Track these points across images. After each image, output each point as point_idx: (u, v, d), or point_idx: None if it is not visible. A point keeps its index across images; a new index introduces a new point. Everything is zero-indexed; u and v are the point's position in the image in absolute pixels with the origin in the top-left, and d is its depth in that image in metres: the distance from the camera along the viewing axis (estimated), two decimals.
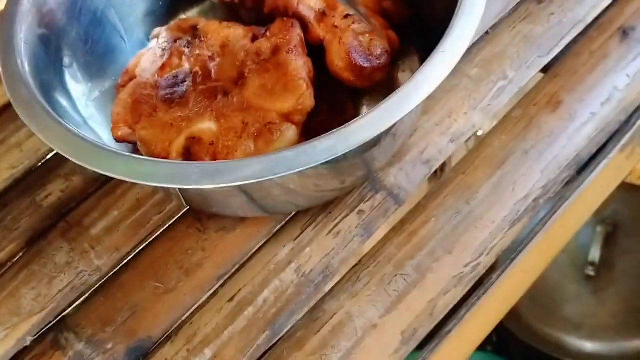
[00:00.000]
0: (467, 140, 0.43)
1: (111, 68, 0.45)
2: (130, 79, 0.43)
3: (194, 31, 0.42)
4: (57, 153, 0.46)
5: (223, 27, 0.41)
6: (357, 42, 0.39)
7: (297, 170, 0.30)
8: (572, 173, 0.42)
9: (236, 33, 0.40)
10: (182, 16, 0.48)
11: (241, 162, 0.31)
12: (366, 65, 0.39)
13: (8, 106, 0.50)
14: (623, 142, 0.43)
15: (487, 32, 0.48)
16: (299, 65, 0.38)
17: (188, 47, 0.41)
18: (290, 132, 0.37)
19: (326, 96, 0.41)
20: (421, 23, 0.42)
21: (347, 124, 0.31)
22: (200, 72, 0.40)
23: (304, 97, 0.37)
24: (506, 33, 0.48)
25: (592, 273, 0.82)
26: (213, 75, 0.40)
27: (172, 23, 0.45)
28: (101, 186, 0.45)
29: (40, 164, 0.47)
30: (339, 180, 0.40)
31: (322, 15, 0.40)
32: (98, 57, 0.44)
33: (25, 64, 0.37)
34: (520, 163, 0.41)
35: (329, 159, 0.30)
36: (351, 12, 0.40)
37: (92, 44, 0.43)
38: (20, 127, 0.48)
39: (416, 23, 0.43)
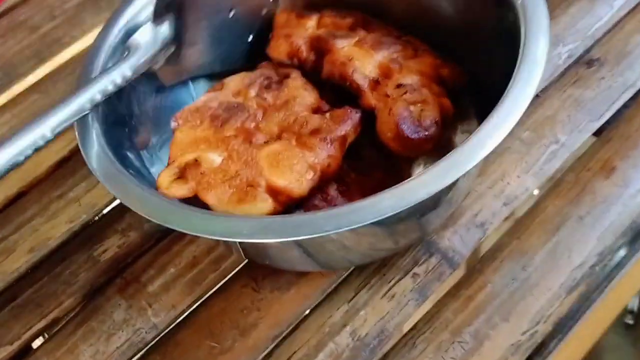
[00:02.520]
0: (520, 204, 0.45)
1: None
2: None
3: (284, 78, 0.45)
4: (114, 208, 0.50)
5: (303, 87, 0.44)
6: (406, 113, 0.40)
7: (347, 228, 0.32)
8: (628, 239, 0.43)
9: (306, 99, 0.43)
10: None
11: (297, 219, 0.33)
12: (414, 136, 0.40)
13: (66, 160, 0.53)
14: None
15: (537, 95, 0.50)
16: (321, 155, 0.39)
17: (267, 88, 0.44)
18: (264, 204, 0.38)
19: (382, 157, 0.43)
20: (479, 86, 0.44)
21: (403, 182, 0.33)
22: (254, 114, 0.43)
23: (297, 183, 0.38)
24: (556, 96, 0.49)
25: (631, 322, 0.82)
26: (261, 123, 0.43)
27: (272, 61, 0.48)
28: (157, 242, 0.47)
29: (97, 218, 0.50)
30: (393, 240, 0.41)
31: (375, 83, 0.42)
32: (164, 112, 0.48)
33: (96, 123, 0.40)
34: (576, 229, 0.43)
35: (380, 218, 0.32)
36: (404, 81, 0.42)
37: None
38: (78, 181, 0.51)
39: (474, 85, 0.44)
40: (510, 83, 0.35)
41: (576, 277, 0.41)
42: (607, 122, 0.48)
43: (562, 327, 0.40)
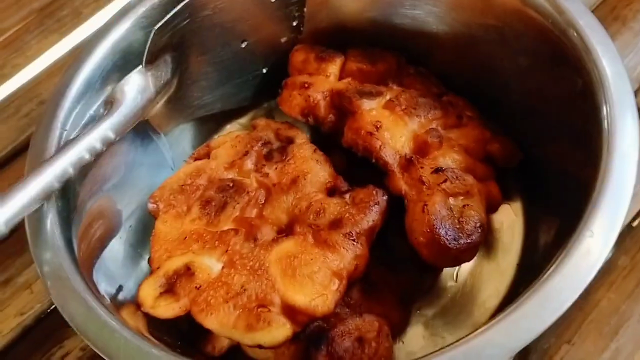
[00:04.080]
0: None
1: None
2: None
3: (286, 144, 0.37)
4: None
5: (312, 159, 0.36)
6: (445, 212, 0.33)
7: None
8: None
9: (318, 174, 0.35)
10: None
11: None
12: (453, 245, 0.32)
13: (10, 237, 0.44)
14: None
15: None
16: (347, 258, 0.32)
17: (268, 158, 0.37)
18: (279, 331, 0.30)
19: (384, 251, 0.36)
20: (529, 160, 0.38)
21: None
22: (255, 197, 0.36)
23: (322, 299, 0.31)
24: None
25: None
26: (265, 209, 0.36)
27: (272, 120, 0.41)
28: None
29: (53, 307, 0.41)
30: None
31: (408, 162, 0.35)
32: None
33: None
34: (637, 332, 0.38)
35: None
36: (444, 162, 0.35)
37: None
38: (28, 262, 0.43)
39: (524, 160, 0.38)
40: (597, 188, 0.29)
41: None
42: None
43: None
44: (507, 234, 0.39)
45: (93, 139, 0.32)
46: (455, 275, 0.38)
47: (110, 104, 0.34)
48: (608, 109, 0.31)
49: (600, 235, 0.28)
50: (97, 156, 0.32)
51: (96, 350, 0.27)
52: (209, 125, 0.44)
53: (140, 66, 0.35)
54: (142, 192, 0.38)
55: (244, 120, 0.45)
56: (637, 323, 0.37)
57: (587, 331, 0.38)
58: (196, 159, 0.39)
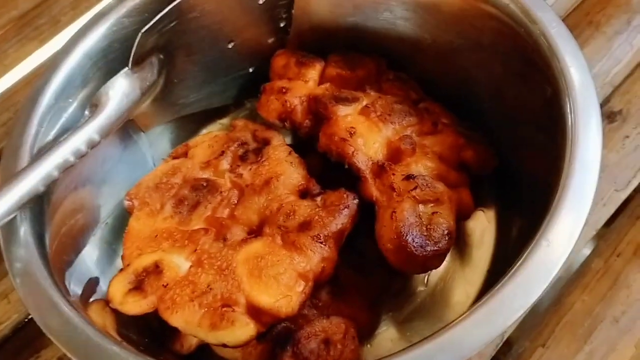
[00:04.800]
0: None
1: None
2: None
3: (263, 145, 0.39)
4: None
5: (287, 160, 0.37)
6: (413, 219, 0.33)
7: None
8: None
9: (291, 176, 0.36)
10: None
11: None
12: (419, 252, 0.33)
13: None
14: None
15: None
16: (314, 260, 0.32)
17: (243, 159, 0.38)
18: (242, 330, 0.31)
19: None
20: (503, 166, 0.38)
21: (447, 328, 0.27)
22: (228, 197, 0.36)
23: (286, 300, 0.31)
24: None
25: None
26: (237, 209, 0.36)
27: (251, 121, 0.42)
28: None
29: (30, 317, 0.42)
30: None
31: (380, 169, 0.35)
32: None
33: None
34: (610, 334, 0.38)
35: None
36: (416, 169, 0.35)
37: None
38: (5, 273, 0.43)
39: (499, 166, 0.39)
40: (559, 192, 0.29)
41: None
42: (636, 191, 0.44)
43: None
44: (479, 241, 0.40)
45: (78, 142, 0.33)
46: (426, 279, 0.39)
47: (95, 107, 0.35)
48: (573, 117, 0.31)
49: (556, 243, 0.28)
50: (81, 158, 0.33)
51: (60, 346, 0.27)
52: (190, 124, 0.45)
53: (126, 68, 0.36)
54: (120, 190, 0.39)
55: (225, 120, 0.46)
56: (610, 325, 0.38)
57: (561, 334, 0.38)
58: (174, 158, 0.39)
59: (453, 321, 0.27)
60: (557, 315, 0.39)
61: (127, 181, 0.39)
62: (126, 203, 0.37)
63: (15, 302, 0.42)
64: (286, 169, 0.37)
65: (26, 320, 0.42)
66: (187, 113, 0.43)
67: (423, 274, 0.39)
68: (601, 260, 0.41)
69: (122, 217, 0.39)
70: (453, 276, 0.39)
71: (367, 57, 0.43)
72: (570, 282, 0.40)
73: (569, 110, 0.31)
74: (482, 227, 0.40)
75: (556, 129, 0.32)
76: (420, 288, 0.38)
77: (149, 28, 0.35)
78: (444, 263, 0.38)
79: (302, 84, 0.41)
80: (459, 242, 0.39)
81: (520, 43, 0.35)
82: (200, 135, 0.42)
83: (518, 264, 0.28)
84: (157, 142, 0.43)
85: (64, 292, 0.30)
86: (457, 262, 0.39)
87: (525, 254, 0.28)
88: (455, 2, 0.38)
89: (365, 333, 0.37)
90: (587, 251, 0.41)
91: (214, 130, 0.44)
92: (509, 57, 0.37)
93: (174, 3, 0.36)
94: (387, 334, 0.37)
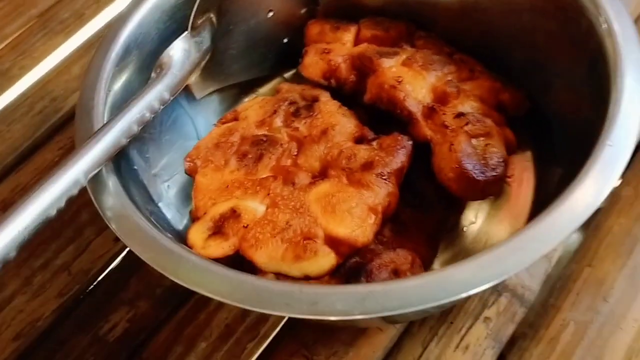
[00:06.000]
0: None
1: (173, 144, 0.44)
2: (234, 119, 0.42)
3: (312, 102, 0.41)
4: (111, 272, 0.44)
5: (339, 112, 0.40)
6: (470, 149, 0.37)
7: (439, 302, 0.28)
8: None
9: (345, 126, 0.39)
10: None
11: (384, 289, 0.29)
12: (480, 178, 0.36)
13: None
14: None
15: None
16: (380, 195, 0.35)
17: (296, 115, 0.40)
18: (325, 259, 0.34)
19: (437, 190, 0.40)
20: (536, 112, 0.42)
21: (496, 247, 0.30)
22: (288, 149, 0.39)
23: (361, 230, 0.34)
24: None
25: None
26: (299, 159, 0.39)
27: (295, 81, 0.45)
28: (174, 311, 0.42)
29: (92, 287, 0.44)
30: None
31: (430, 111, 0.39)
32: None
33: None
34: None
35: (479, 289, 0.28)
36: (464, 109, 0.39)
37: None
38: (64, 245, 0.45)
39: (530, 111, 0.42)
40: (599, 136, 0.32)
41: None
42: None
43: None
44: (519, 178, 0.43)
45: (152, 98, 0.35)
46: (476, 216, 0.42)
47: (160, 68, 0.37)
48: (613, 41, 0.34)
49: (600, 177, 0.31)
50: (155, 114, 0.35)
51: (171, 277, 0.29)
52: (231, 96, 0.47)
53: (186, 32, 0.39)
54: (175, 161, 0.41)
55: (264, 89, 0.49)
56: None
57: (605, 254, 0.42)
58: (224, 123, 0.42)
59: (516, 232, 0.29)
60: (598, 239, 0.42)
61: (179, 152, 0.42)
62: (187, 164, 0.40)
63: (76, 274, 0.44)
64: (340, 119, 0.40)
65: (88, 290, 0.43)
66: (229, 83, 0.46)
67: (475, 209, 0.42)
68: (631, 188, 0.45)
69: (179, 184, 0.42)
70: (499, 212, 0.42)
71: (397, 20, 0.46)
72: (605, 210, 0.44)
73: (608, 35, 0.35)
74: (522, 166, 0.43)
75: (596, 59, 0.35)
76: (473, 222, 0.42)
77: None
78: (490, 200, 0.42)
79: (341, 45, 0.44)
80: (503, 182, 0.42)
81: None
82: (246, 101, 0.45)
83: (565, 193, 0.30)
84: (200, 112, 0.46)
85: (161, 229, 0.32)
86: (503, 199, 0.43)
87: (569, 188, 0.30)
88: None
89: (426, 265, 0.40)
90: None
91: (258, 97, 0.47)
92: (537, 3, 0.40)
93: None
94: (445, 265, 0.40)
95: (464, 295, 0.28)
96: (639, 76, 0.34)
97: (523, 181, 0.43)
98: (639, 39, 0.35)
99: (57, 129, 0.52)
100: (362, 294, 0.28)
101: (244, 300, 0.28)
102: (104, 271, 0.44)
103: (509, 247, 0.29)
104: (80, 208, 0.46)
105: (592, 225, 0.43)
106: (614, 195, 0.44)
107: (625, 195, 0.44)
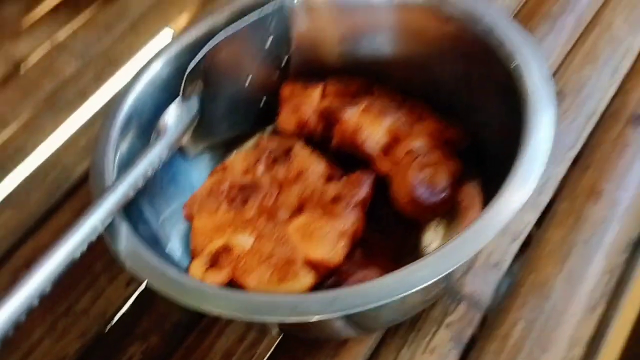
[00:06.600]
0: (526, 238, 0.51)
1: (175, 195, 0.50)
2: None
3: (288, 151, 0.49)
4: (125, 313, 0.51)
5: (311, 157, 0.48)
6: (419, 179, 0.45)
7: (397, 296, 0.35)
8: (629, 254, 0.49)
9: (317, 168, 0.47)
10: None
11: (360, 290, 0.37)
12: (429, 201, 0.45)
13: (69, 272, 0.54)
14: None
15: None
16: (349, 222, 0.44)
17: (275, 163, 0.48)
18: (305, 279, 0.41)
19: (398, 216, 0.48)
20: (480, 145, 0.50)
21: (438, 250, 0.37)
22: (270, 191, 0.47)
23: (334, 252, 0.42)
24: None
25: None
26: (279, 199, 0.46)
27: (272, 134, 0.54)
28: (182, 341, 0.48)
29: (109, 327, 0.51)
30: (424, 296, 0.46)
31: (386, 149, 0.47)
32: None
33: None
34: (583, 254, 0.49)
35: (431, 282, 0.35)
36: (414, 145, 0.47)
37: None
38: (82, 291, 0.52)
39: (475, 144, 0.50)
40: (518, 156, 0.40)
41: (595, 297, 0.47)
42: (581, 151, 0.56)
43: (593, 348, 0.46)
44: (468, 206, 0.50)
45: (152, 158, 0.43)
46: (432, 238, 0.50)
47: (157, 132, 0.46)
48: (526, 81, 0.42)
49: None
50: (155, 172, 0.44)
51: (176, 299, 0.36)
52: (218, 152, 0.55)
53: (178, 99, 0.47)
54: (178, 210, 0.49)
55: (247, 144, 0.57)
56: (582, 247, 0.49)
57: (546, 261, 0.49)
58: (214, 175, 0.50)
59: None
60: (540, 248, 0.50)
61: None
62: (185, 212, 0.47)
63: (94, 317, 0.51)
64: (312, 163, 0.48)
65: (107, 330, 0.50)
66: (217, 141, 0.54)
67: (433, 227, 0.49)
68: (567, 203, 0.52)
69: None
70: (452, 233, 0.50)
71: (356, 77, 0.55)
72: (545, 224, 0.51)
73: (525, 86, 0.43)
74: (472, 192, 0.51)
75: (515, 104, 0.43)
76: (431, 242, 0.49)
77: (193, 66, 0.46)
78: (445, 222, 0.49)
79: (310, 101, 0.53)
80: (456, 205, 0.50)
81: (473, 38, 0.47)
82: (233, 155, 0.53)
83: (489, 204, 0.38)
84: (195, 168, 0.54)
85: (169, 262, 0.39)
86: (456, 221, 0.50)
87: (492, 201, 0.38)
88: (422, 22, 0.50)
89: None
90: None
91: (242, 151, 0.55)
92: (467, 53, 0.49)
93: (212, 44, 0.47)
94: None
95: (414, 289, 0.35)
96: (548, 110, 0.42)
97: (473, 205, 0.50)
98: (548, 77, 0.43)
99: (69, 193, 0.60)
100: (332, 296, 0.35)
101: (238, 310, 0.36)
102: (118, 312, 0.51)
103: (447, 249, 0.36)
104: (95, 259, 0.53)
105: (535, 238, 0.51)
106: (552, 211, 0.52)
107: (561, 209, 0.52)
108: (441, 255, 0.36)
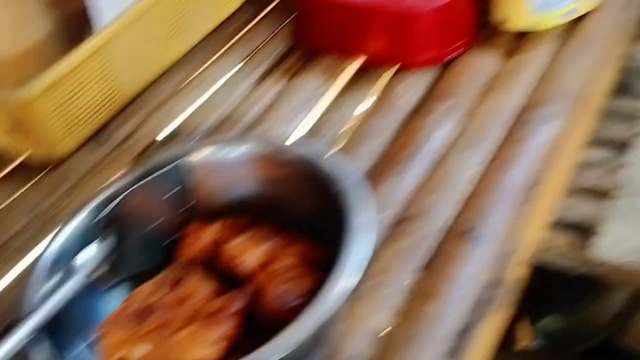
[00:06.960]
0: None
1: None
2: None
3: (186, 275, 0.62)
4: None
5: (203, 279, 0.61)
6: (283, 289, 0.59)
7: None
8: (455, 343, 0.62)
9: (208, 286, 0.60)
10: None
11: None
12: (290, 305, 0.58)
13: None
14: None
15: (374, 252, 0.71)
16: (229, 327, 0.57)
17: (175, 285, 0.61)
18: None
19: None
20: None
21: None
22: (170, 308, 0.59)
23: (214, 350, 0.55)
24: (388, 250, 0.72)
25: None
26: (177, 312, 0.58)
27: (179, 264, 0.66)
28: None
29: None
30: None
31: (260, 269, 0.61)
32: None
33: None
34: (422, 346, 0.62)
35: None
36: (283, 264, 0.61)
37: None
38: None
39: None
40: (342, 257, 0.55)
41: None
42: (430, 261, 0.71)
43: None
44: None
45: (68, 291, 0.56)
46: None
47: (70, 273, 0.59)
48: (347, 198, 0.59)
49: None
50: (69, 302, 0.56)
51: None
52: (131, 284, 0.67)
53: (96, 241, 0.61)
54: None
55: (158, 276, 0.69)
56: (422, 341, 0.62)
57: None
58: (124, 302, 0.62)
59: None
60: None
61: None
62: (96, 335, 0.59)
63: None
64: (204, 283, 0.61)
65: None
66: (134, 273, 0.67)
67: None
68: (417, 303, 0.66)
69: None
70: None
71: (242, 216, 0.70)
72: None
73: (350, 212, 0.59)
74: None
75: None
76: None
77: (101, 218, 0.61)
78: None
79: (209, 234, 0.67)
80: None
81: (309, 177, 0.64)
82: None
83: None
84: (108, 299, 0.66)
85: None
86: None
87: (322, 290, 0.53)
88: (269, 169, 0.68)
89: None
90: None
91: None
92: (308, 187, 0.65)
93: (122, 197, 0.62)
94: None
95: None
96: (365, 220, 0.57)
97: None
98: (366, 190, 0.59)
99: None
100: None
101: None
102: None
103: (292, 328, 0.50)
104: None
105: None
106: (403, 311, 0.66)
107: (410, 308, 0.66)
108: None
